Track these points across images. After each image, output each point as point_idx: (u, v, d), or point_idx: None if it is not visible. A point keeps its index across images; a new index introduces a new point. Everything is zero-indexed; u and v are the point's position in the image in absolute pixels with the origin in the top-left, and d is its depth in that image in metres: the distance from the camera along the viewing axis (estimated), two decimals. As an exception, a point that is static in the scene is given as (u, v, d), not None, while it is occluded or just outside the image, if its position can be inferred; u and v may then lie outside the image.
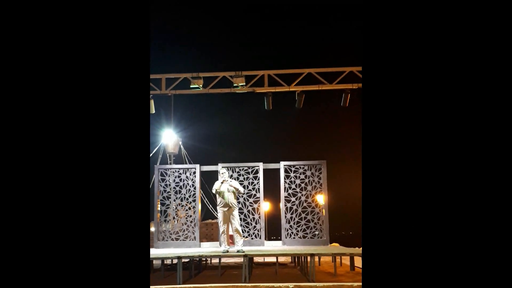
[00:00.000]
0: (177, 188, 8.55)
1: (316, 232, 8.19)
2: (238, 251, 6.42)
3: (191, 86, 8.13)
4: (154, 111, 8.82)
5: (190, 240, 8.32)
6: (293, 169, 8.44)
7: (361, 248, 10.75)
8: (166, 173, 8.66)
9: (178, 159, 14.98)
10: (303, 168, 8.43)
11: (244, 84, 7.87)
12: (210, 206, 14.12)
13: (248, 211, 8.33)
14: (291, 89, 7.64)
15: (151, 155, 14.55)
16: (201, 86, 8.16)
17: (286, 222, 8.29)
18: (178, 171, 8.66)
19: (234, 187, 6.77)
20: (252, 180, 8.41)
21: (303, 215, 8.27)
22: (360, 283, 6.01)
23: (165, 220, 8.59)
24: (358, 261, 7.09)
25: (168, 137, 14.60)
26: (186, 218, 8.47)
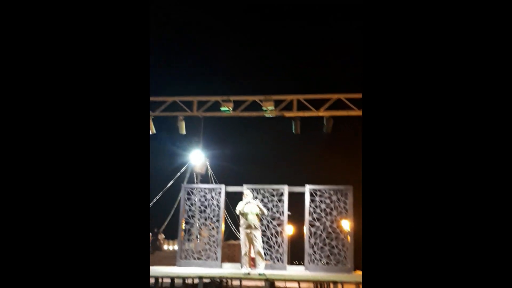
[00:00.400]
0: (202, 208, 8.64)
1: (341, 259, 8.04)
2: (259, 274, 6.38)
3: (221, 109, 8.31)
4: (184, 132, 9.05)
5: (212, 260, 8.34)
6: (318, 193, 8.38)
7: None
8: (192, 192, 8.79)
9: (205, 179, 15.15)
10: (328, 192, 8.36)
11: (273, 108, 7.98)
12: (233, 226, 14.12)
13: (271, 233, 8.30)
14: (319, 114, 7.69)
15: (178, 174, 14.79)
16: (231, 109, 8.33)
17: (310, 247, 8.19)
18: (204, 191, 8.77)
19: (260, 208, 6.79)
20: (277, 202, 8.41)
21: (327, 241, 8.15)
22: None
23: (188, 239, 8.66)
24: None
25: (196, 157, 14.84)
26: (209, 237, 8.51)
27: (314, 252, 8.14)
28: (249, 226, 6.64)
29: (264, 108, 8.08)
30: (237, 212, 6.89)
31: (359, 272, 10.52)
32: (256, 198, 8.11)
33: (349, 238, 8.15)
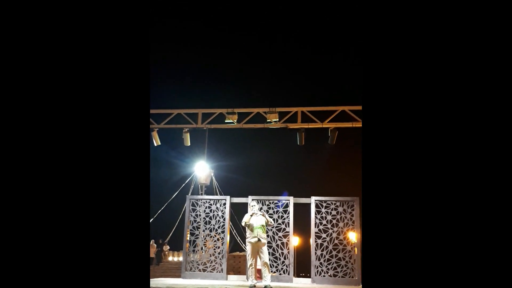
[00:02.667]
0: (207, 219, 8.63)
1: (348, 271, 7.97)
2: (265, 287, 6.34)
3: (225, 121, 8.36)
4: (189, 144, 9.09)
5: (217, 272, 8.30)
6: (324, 204, 8.36)
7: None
8: (197, 203, 8.79)
9: (210, 190, 15.17)
10: (335, 204, 8.33)
11: (278, 120, 8.02)
12: (239, 238, 14.07)
13: (277, 245, 8.26)
14: (324, 126, 7.71)
15: (183, 185, 14.82)
16: (235, 121, 8.37)
17: (316, 259, 8.14)
18: (209, 202, 8.77)
19: (266, 218, 6.78)
20: (282, 214, 8.39)
21: (334, 253, 8.10)
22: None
23: (193, 251, 8.64)
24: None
25: (201, 169, 14.87)
26: (214, 249, 8.49)
27: (321, 264, 8.09)
28: (255, 238, 6.62)
29: (268, 120, 8.12)
30: (243, 224, 6.88)
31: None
32: (261, 209, 8.10)
33: (356, 250, 8.09)
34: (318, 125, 7.80)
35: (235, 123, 8.40)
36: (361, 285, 7.96)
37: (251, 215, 6.76)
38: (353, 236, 8.32)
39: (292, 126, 7.94)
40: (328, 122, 7.71)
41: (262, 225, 6.68)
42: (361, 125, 7.68)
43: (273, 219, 8.07)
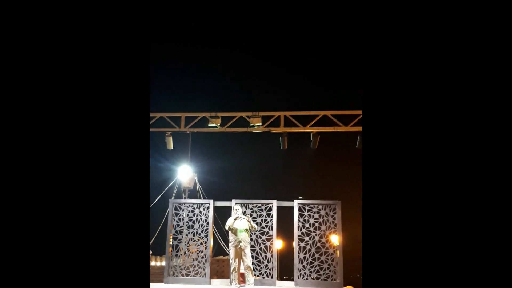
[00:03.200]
0: (190, 223, 8.60)
1: (330, 274, 8.05)
2: (249, 290, 6.36)
3: (209, 125, 8.36)
4: (172, 147, 9.05)
5: (200, 276, 8.27)
6: (307, 207, 8.43)
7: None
8: (180, 208, 8.75)
9: (193, 194, 15.10)
10: (317, 207, 8.41)
11: (261, 124, 8.07)
12: (222, 242, 14.04)
13: (260, 248, 8.29)
14: (306, 130, 7.79)
15: (166, 189, 14.71)
16: (218, 125, 8.38)
17: (299, 262, 8.19)
18: (192, 206, 8.74)
19: (250, 223, 6.80)
20: (266, 217, 8.42)
21: (316, 256, 8.17)
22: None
23: (176, 255, 8.59)
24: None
25: (184, 172, 14.79)
26: (198, 253, 8.46)
27: (304, 267, 8.14)
28: (238, 242, 6.63)
29: (251, 124, 8.16)
30: (227, 228, 6.88)
31: (350, 287, 10.52)
32: (245, 213, 8.12)
33: (338, 253, 8.18)
34: (301, 129, 7.88)
35: (219, 127, 8.41)
36: (342, 287, 8.05)
37: (235, 219, 6.77)
38: (335, 239, 8.41)
39: (275, 130, 7.99)
40: (310, 126, 7.80)
41: (246, 229, 6.70)
42: (342, 130, 7.79)
43: (257, 223, 8.10)
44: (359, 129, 7.65)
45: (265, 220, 8.39)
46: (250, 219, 6.97)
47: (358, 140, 7.68)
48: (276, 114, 8.01)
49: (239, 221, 6.75)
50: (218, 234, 13.95)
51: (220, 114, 8.34)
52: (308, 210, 8.41)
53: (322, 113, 7.81)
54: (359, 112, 7.79)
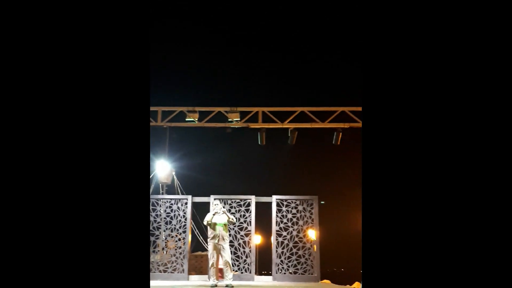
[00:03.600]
0: (168, 219, 8.54)
1: (307, 268, 8.16)
2: (227, 286, 6.38)
3: (186, 120, 8.30)
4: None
5: (178, 272, 8.24)
6: (285, 203, 8.50)
7: (351, 286, 10.63)
8: (157, 203, 8.67)
9: (171, 189, 14.96)
10: (295, 202, 8.50)
11: (239, 119, 8.06)
12: (201, 238, 14.00)
13: (239, 244, 8.31)
14: (284, 126, 7.83)
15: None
16: (196, 119, 8.33)
17: (277, 256, 8.26)
18: (170, 202, 8.67)
19: (228, 217, 6.80)
20: (244, 213, 8.45)
21: (294, 250, 8.26)
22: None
23: (153, 251, 8.52)
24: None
25: (162, 167, 14.64)
26: (175, 249, 8.41)
27: (282, 261, 8.22)
28: (217, 237, 6.63)
29: (230, 119, 8.15)
30: (205, 223, 6.87)
31: (326, 281, 10.68)
32: (223, 208, 8.12)
33: (315, 247, 8.30)
34: (279, 125, 7.91)
35: (196, 122, 8.36)
36: (319, 281, 8.17)
37: (214, 214, 6.77)
38: (312, 234, 8.53)
39: (253, 125, 8.00)
40: (288, 122, 7.85)
41: (225, 224, 6.70)
42: (319, 126, 7.87)
43: (235, 218, 8.12)
44: (336, 125, 7.75)
45: (244, 215, 8.42)
46: (227, 212, 6.96)
47: (334, 136, 7.78)
48: (254, 109, 8.01)
49: (218, 216, 6.75)
50: (196, 230, 13.88)
51: (197, 108, 8.29)
52: (286, 206, 8.48)
53: (299, 109, 7.86)
54: (336, 108, 7.88)
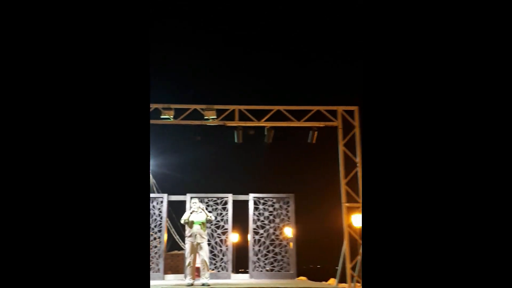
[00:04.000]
0: (144, 219, 8.42)
1: (284, 265, 8.22)
2: (203, 284, 6.34)
3: (161, 117, 8.19)
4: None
5: (153, 272, 8.14)
6: (262, 201, 8.53)
7: (327, 282, 10.76)
8: (133, 203, 8.54)
9: (146, 189, 14.76)
10: (272, 200, 8.54)
11: (215, 117, 8.01)
12: (177, 236, 13.88)
13: (216, 242, 8.29)
14: (260, 124, 7.85)
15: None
16: (172, 117, 8.23)
17: (254, 254, 8.28)
18: (146, 201, 8.55)
19: (207, 215, 6.75)
20: (221, 211, 8.43)
21: (271, 248, 8.30)
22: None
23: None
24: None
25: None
26: (151, 249, 8.31)
27: (258, 259, 8.25)
28: (194, 236, 6.58)
29: (206, 117, 8.09)
30: (182, 222, 6.81)
31: (303, 278, 10.77)
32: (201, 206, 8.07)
33: (291, 244, 8.36)
34: (255, 123, 7.91)
35: (172, 119, 8.26)
36: (296, 278, 8.25)
37: (191, 212, 6.71)
38: (289, 231, 8.59)
39: (229, 123, 7.97)
40: (264, 121, 7.86)
41: (202, 222, 6.65)
42: (295, 125, 7.92)
43: (213, 216, 8.09)
44: (311, 124, 7.81)
45: (221, 213, 8.40)
46: (205, 210, 6.92)
47: (310, 135, 7.85)
48: (231, 107, 7.98)
49: (195, 214, 6.70)
50: (172, 229, 13.78)
51: (173, 106, 8.19)
52: (263, 204, 8.51)
53: (276, 107, 7.88)
54: (312, 107, 7.94)
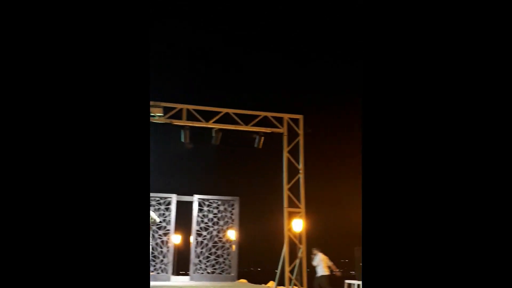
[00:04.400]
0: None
1: (225, 268, 8.24)
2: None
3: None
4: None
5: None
6: (206, 203, 8.50)
7: (266, 285, 10.90)
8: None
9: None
10: (217, 203, 8.54)
11: (162, 114, 7.87)
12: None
13: (156, 243, 8.13)
14: (208, 126, 7.82)
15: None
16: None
17: (196, 256, 8.23)
18: (84, 200, 8.21)
19: (152, 217, 6.59)
20: (164, 211, 8.29)
21: (213, 250, 8.29)
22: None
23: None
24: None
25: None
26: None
27: (200, 261, 8.21)
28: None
29: (152, 114, 7.93)
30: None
31: (243, 281, 10.86)
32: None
33: (234, 247, 8.41)
34: (203, 124, 7.88)
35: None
36: (236, 281, 8.30)
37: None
38: (232, 234, 8.63)
39: (176, 122, 7.87)
40: (213, 122, 7.84)
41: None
42: (243, 129, 7.99)
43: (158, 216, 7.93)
44: (258, 129, 7.92)
45: (164, 214, 8.25)
46: (152, 212, 6.77)
47: (256, 140, 7.96)
48: (179, 106, 7.88)
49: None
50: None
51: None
52: (208, 206, 8.49)
53: (224, 110, 7.89)
54: (260, 113, 8.06)
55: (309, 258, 7.47)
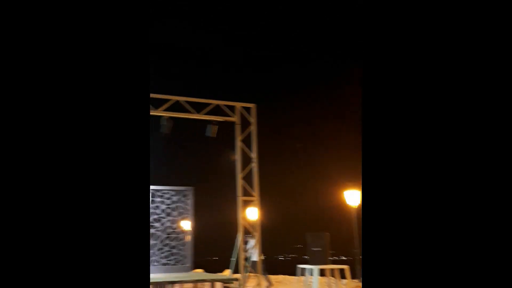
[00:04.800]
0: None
1: (180, 259, 8.16)
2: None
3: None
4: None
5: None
6: (159, 193, 8.33)
7: (222, 273, 10.94)
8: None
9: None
10: (170, 193, 8.39)
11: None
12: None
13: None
14: (157, 114, 7.61)
15: None
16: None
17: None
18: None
19: None
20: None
21: (167, 241, 8.17)
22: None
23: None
24: None
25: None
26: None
27: (153, 253, 8.06)
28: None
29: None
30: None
31: (199, 271, 10.83)
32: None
33: (189, 237, 8.33)
34: (152, 112, 7.65)
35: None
36: (191, 271, 8.26)
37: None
38: (186, 224, 8.54)
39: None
40: (162, 110, 7.64)
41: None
42: (195, 117, 7.87)
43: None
44: (211, 118, 7.84)
45: (113, 208, 8.00)
46: None
47: (209, 129, 7.88)
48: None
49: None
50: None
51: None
52: (160, 196, 8.32)
53: (175, 98, 7.70)
54: (211, 101, 7.96)
55: (261, 246, 7.56)
